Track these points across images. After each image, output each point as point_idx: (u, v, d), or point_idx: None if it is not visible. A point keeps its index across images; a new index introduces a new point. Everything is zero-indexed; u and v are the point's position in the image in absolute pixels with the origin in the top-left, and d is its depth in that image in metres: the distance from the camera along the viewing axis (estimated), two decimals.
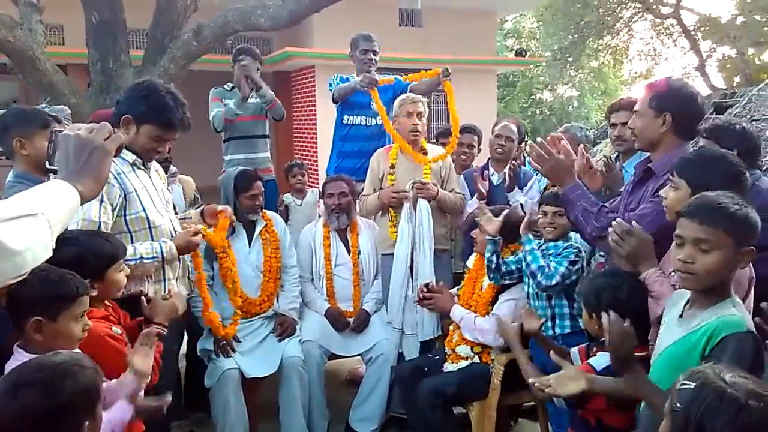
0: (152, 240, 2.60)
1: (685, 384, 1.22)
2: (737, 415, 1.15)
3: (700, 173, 1.98)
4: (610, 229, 2.17)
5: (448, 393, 3.15)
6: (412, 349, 3.61)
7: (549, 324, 2.92)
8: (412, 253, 3.63)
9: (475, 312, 3.25)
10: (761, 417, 1.14)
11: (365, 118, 4.44)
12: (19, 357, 1.72)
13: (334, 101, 4.50)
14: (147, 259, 2.53)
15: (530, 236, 3.02)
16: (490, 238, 3.12)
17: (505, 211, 3.26)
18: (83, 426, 1.36)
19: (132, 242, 2.53)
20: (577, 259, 2.89)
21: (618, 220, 2.16)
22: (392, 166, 3.81)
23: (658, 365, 1.79)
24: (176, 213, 2.98)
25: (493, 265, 3.12)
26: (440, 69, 4.25)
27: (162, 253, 2.58)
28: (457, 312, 3.32)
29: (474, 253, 3.47)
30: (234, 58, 4.47)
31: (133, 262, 2.43)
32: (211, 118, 4.34)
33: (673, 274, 1.99)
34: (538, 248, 2.99)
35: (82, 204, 1.29)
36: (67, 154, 1.30)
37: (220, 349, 3.33)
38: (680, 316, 1.77)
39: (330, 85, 4.53)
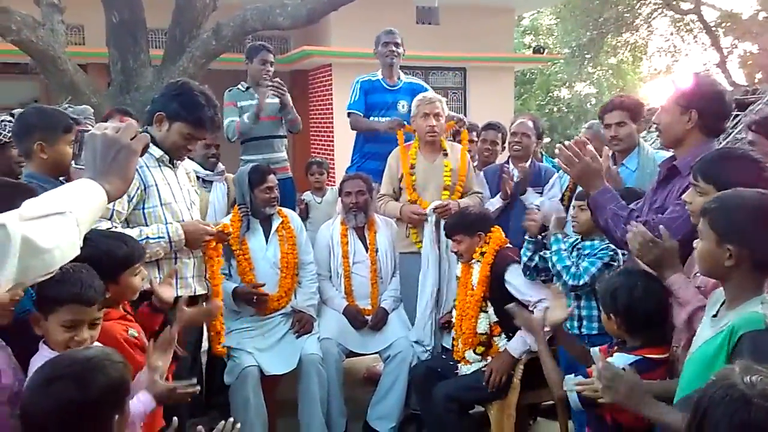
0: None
1: (711, 378, 1.23)
2: (737, 411, 1.14)
3: (726, 175, 1.95)
4: (629, 235, 2.14)
5: (463, 398, 3.15)
6: None
7: (576, 324, 2.88)
8: (439, 279, 3.63)
9: (468, 308, 3.25)
10: (762, 416, 1.13)
11: (390, 119, 4.44)
12: (44, 353, 1.76)
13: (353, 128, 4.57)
14: (152, 239, 2.53)
15: (558, 236, 2.97)
16: (531, 238, 3.08)
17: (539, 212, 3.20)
18: (113, 420, 1.37)
19: None
20: (612, 262, 2.81)
21: (639, 227, 2.12)
22: (412, 167, 3.80)
23: (689, 365, 1.77)
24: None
25: (532, 264, 3.08)
26: (455, 120, 4.17)
27: (168, 233, 2.58)
28: (517, 347, 3.17)
29: (458, 263, 3.45)
30: (248, 55, 4.47)
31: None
32: (224, 127, 4.34)
33: (698, 275, 1.97)
34: (573, 247, 2.96)
35: (108, 203, 1.30)
36: (95, 154, 1.31)
37: (257, 300, 3.44)
38: (714, 316, 1.76)
39: (350, 102, 4.52)
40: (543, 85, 20.05)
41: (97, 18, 6.70)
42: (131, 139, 1.35)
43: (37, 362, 1.71)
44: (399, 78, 4.57)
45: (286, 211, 3.76)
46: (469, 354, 3.24)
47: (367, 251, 3.84)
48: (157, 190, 2.60)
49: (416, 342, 3.62)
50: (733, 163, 2.00)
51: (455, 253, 3.39)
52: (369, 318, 3.73)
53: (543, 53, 15.69)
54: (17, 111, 4.24)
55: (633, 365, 2.05)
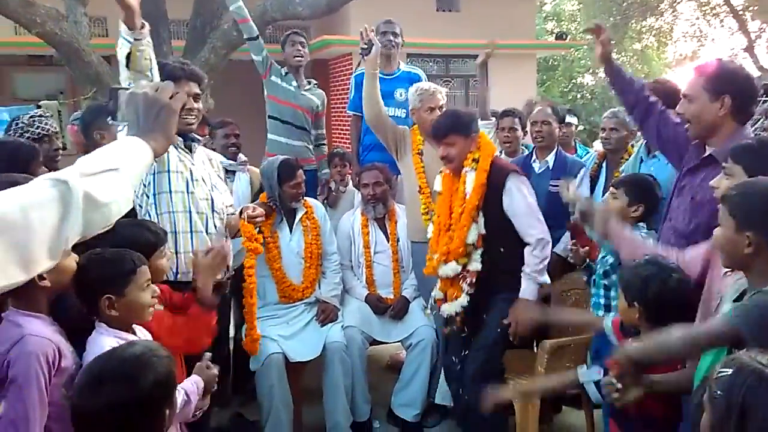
0: (174, 226, 2.62)
1: (722, 372, 1.23)
2: None
3: (760, 160, 1.94)
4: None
5: (492, 370, 3.04)
6: None
7: (602, 313, 2.85)
8: None
9: (461, 217, 3.05)
10: None
11: (387, 108, 4.35)
12: (102, 330, 1.83)
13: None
14: None
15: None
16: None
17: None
18: (165, 415, 1.41)
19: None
20: None
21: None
22: (420, 152, 3.75)
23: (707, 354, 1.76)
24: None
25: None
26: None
27: None
28: (529, 288, 3.00)
29: (440, 174, 3.28)
30: (283, 43, 4.48)
31: None
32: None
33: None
34: None
35: (155, 158, 1.34)
36: (137, 112, 1.35)
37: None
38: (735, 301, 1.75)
39: (349, 101, 4.61)
40: (566, 72, 19.82)
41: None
42: (170, 99, 1.38)
43: (95, 341, 1.79)
44: (398, 67, 4.51)
45: (310, 201, 3.77)
46: (449, 266, 3.07)
47: (388, 241, 3.84)
48: (168, 177, 2.61)
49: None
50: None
51: (443, 158, 3.14)
52: (391, 306, 3.74)
53: (566, 39, 15.54)
54: (44, 102, 4.32)
55: None
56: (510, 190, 3.04)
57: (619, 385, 1.82)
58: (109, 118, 1.48)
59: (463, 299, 3.06)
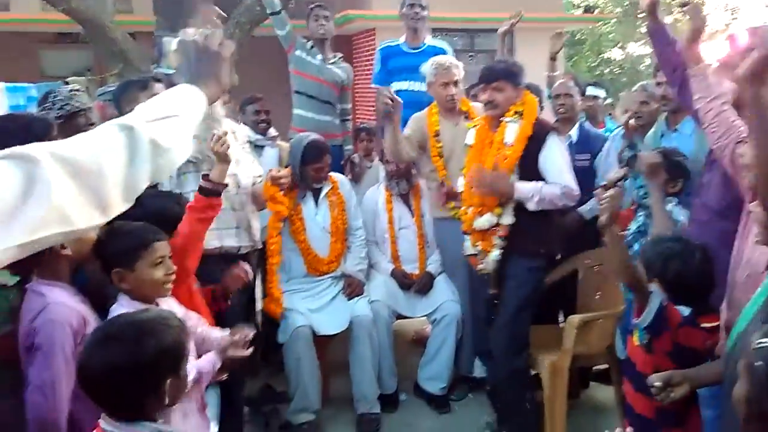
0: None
1: (763, 342, 1.21)
2: None
3: None
4: None
5: (519, 344, 3.05)
6: None
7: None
8: None
9: (505, 166, 3.00)
10: None
11: (413, 83, 4.28)
12: (122, 301, 1.85)
13: None
14: None
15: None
16: None
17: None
18: (165, 383, 1.40)
19: None
20: None
21: None
22: (437, 134, 3.68)
23: (746, 312, 1.73)
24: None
25: None
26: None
27: None
28: (524, 188, 2.96)
29: (474, 127, 3.23)
30: (307, 17, 4.44)
31: None
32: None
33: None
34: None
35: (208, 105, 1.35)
36: (189, 60, 1.35)
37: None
38: None
39: (376, 71, 4.50)
40: (594, 46, 19.43)
41: None
42: (219, 46, 1.38)
43: (116, 311, 1.80)
44: (423, 41, 4.41)
45: (336, 176, 3.74)
46: (485, 218, 3.03)
47: (412, 216, 3.83)
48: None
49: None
50: None
51: (488, 103, 3.06)
52: (416, 281, 3.74)
53: (594, 13, 15.20)
54: (72, 79, 4.37)
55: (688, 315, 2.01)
56: (549, 146, 3.02)
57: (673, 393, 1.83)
58: (154, 65, 1.49)
59: (496, 253, 3.04)
